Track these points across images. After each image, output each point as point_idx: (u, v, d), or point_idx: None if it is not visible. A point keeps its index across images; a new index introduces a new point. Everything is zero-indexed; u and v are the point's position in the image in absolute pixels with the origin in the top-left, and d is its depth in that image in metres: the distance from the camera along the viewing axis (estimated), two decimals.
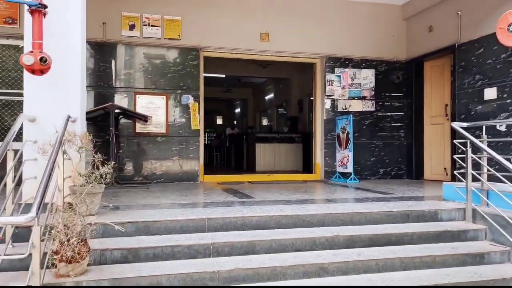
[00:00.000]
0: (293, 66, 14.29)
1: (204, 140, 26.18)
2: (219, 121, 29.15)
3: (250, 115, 20.34)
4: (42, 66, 3.49)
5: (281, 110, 16.99)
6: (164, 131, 7.36)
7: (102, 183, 3.71)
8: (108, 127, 6.66)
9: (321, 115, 8.34)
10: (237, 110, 23.38)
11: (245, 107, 21.08)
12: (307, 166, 11.61)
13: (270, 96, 17.65)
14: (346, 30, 8.36)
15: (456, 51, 7.25)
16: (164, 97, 7.37)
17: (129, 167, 7.19)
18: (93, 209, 3.78)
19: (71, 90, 3.99)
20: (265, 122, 19.11)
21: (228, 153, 13.88)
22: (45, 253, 2.89)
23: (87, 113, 6.44)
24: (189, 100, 7.48)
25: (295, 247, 3.68)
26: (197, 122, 7.50)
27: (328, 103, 8.25)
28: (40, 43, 3.69)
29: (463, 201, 4.46)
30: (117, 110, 6.59)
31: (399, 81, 8.53)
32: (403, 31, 8.67)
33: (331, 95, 8.27)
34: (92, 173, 3.68)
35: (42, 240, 2.81)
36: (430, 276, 3.52)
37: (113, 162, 3.79)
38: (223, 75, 14.51)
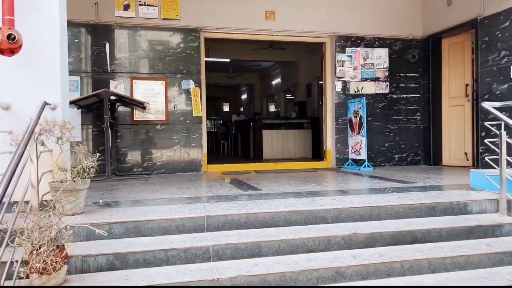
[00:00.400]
0: (301, 48, 13.70)
1: (210, 127, 25.75)
2: (226, 107, 28.67)
3: (257, 101, 19.81)
4: (11, 45, 3.02)
5: (288, 96, 16.43)
6: (164, 119, 6.89)
7: (85, 178, 3.26)
8: (103, 115, 6.21)
9: (331, 99, 7.81)
10: (244, 96, 22.86)
11: (252, 93, 20.54)
12: (317, 152, 11.12)
13: (277, 81, 17.08)
14: (358, 7, 7.76)
15: (479, 26, 6.64)
16: (163, 82, 6.89)
17: (127, 158, 6.76)
18: (78, 208, 3.35)
19: (49, 73, 3.51)
20: (272, 108, 18.58)
21: (235, 141, 13.41)
22: (12, 263, 2.46)
23: (78, 100, 6.02)
24: (190, 85, 7.00)
25: (307, 248, 3.21)
26: (199, 108, 7.03)
27: (339, 86, 7.71)
28: (10, 19, 3.22)
29: (496, 191, 3.95)
30: (112, 97, 6.13)
31: (415, 61, 7.95)
32: (419, 6, 8.04)
33: (342, 77, 7.72)
34: (74, 167, 3.23)
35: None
36: (463, 279, 3.04)
37: (98, 155, 3.33)
38: (227, 60, 13.96)
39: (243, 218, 3.43)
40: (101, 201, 3.92)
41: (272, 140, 11.00)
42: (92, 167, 3.18)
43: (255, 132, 10.88)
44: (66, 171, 3.14)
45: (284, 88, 16.31)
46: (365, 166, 7.13)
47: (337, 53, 7.70)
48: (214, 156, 12.69)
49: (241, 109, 24.18)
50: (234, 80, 19.13)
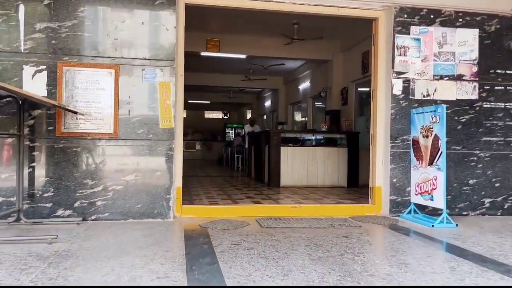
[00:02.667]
0: (335, 42, 10.88)
1: (226, 136, 22.91)
2: (249, 114, 26.03)
3: (281, 108, 17.03)
4: None
5: (318, 104, 13.60)
6: (112, 131, 4.23)
7: None
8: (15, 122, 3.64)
9: (385, 107, 4.97)
10: (267, 103, 20.12)
11: (276, 99, 17.77)
12: (354, 179, 8.25)
13: (304, 84, 14.27)
14: None
15: None
16: (112, 71, 4.24)
17: (48, 193, 4.12)
18: None
19: None
20: (298, 117, 15.75)
21: (249, 156, 10.65)
22: None
23: None
24: (157, 77, 4.33)
25: None
26: (170, 115, 4.34)
27: (398, 86, 4.86)
28: None
29: None
30: (4, 94, 3.52)
31: None
32: None
33: (404, 73, 4.87)
34: None
35: None
36: None
37: None
38: (243, 56, 11.29)
39: None
40: None
41: (294, 160, 8.22)
42: None
43: (272, 148, 8.11)
44: None
45: (313, 94, 13.48)
46: (442, 220, 4.24)
47: (396, 35, 4.86)
48: (225, 174, 9.98)
49: (264, 117, 21.40)
50: (255, 83, 16.44)
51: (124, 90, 4.27)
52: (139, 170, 4.29)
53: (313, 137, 8.53)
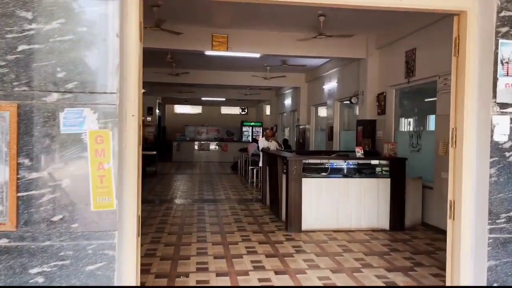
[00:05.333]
0: (370, 37, 8.84)
1: (243, 135, 20.99)
2: (267, 111, 24.06)
3: (303, 108, 15.05)
4: None
5: (347, 106, 11.60)
6: (6, 221, 2.41)
7: None
8: None
9: (476, 160, 3.00)
10: (287, 101, 18.11)
11: (297, 97, 15.76)
12: (398, 219, 6.34)
13: (331, 84, 12.23)
14: None
15: None
16: (6, 114, 2.40)
17: None
18: None
19: None
20: (322, 120, 13.74)
21: (263, 179, 8.71)
22: None
23: None
24: (85, 122, 2.47)
25: None
26: (111, 188, 2.48)
27: (502, 127, 2.88)
28: None
29: None
30: None
31: None
32: None
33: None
34: None
35: None
36: None
37: None
38: (257, 55, 9.36)
39: None
40: None
41: (320, 195, 6.37)
42: None
43: (291, 180, 6.22)
44: None
45: (340, 96, 11.46)
46: None
47: (500, 41, 2.87)
48: (212, 211, 8.15)
49: (284, 115, 19.38)
50: (273, 82, 14.50)
51: (29, 146, 2.44)
52: None
53: (345, 165, 6.57)
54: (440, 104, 6.53)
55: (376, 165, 6.63)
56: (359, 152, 6.47)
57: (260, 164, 9.05)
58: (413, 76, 7.44)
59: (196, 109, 27.39)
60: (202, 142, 20.58)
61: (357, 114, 10.01)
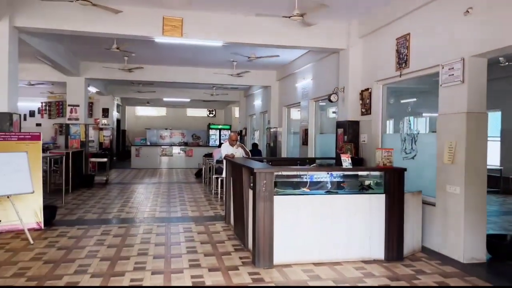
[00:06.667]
0: (350, 22, 7.49)
1: (210, 139, 19.07)
2: (236, 113, 22.54)
3: (274, 110, 13.63)
4: None
5: (324, 106, 10.28)
6: None
7: None
8: None
9: None
10: (257, 102, 16.64)
11: (267, 97, 14.33)
12: (395, 245, 4.96)
13: (304, 82, 10.85)
14: None
15: None
16: None
17: None
18: None
19: None
20: (295, 122, 12.34)
21: (227, 194, 7.19)
22: None
23: None
24: None
25: None
26: None
27: None
28: None
29: None
30: None
31: None
32: None
33: None
34: None
35: None
36: None
37: None
38: (219, 43, 7.83)
39: None
40: None
41: (297, 217, 4.90)
42: None
43: (259, 200, 4.71)
44: None
45: (315, 95, 10.10)
46: None
47: None
48: (158, 236, 6.51)
49: (254, 117, 17.88)
50: (240, 80, 13.02)
51: None
52: None
53: (329, 177, 5.13)
54: (443, 100, 5.21)
55: (366, 178, 5.22)
56: (346, 160, 5.05)
57: (224, 175, 7.51)
58: (407, 67, 6.14)
59: (160, 111, 25.52)
60: (165, 146, 18.81)
61: (335, 115, 8.66)
